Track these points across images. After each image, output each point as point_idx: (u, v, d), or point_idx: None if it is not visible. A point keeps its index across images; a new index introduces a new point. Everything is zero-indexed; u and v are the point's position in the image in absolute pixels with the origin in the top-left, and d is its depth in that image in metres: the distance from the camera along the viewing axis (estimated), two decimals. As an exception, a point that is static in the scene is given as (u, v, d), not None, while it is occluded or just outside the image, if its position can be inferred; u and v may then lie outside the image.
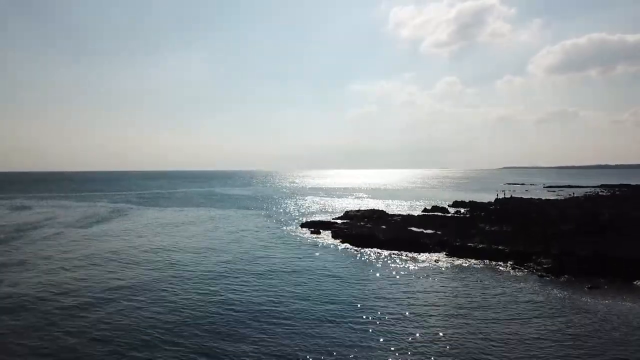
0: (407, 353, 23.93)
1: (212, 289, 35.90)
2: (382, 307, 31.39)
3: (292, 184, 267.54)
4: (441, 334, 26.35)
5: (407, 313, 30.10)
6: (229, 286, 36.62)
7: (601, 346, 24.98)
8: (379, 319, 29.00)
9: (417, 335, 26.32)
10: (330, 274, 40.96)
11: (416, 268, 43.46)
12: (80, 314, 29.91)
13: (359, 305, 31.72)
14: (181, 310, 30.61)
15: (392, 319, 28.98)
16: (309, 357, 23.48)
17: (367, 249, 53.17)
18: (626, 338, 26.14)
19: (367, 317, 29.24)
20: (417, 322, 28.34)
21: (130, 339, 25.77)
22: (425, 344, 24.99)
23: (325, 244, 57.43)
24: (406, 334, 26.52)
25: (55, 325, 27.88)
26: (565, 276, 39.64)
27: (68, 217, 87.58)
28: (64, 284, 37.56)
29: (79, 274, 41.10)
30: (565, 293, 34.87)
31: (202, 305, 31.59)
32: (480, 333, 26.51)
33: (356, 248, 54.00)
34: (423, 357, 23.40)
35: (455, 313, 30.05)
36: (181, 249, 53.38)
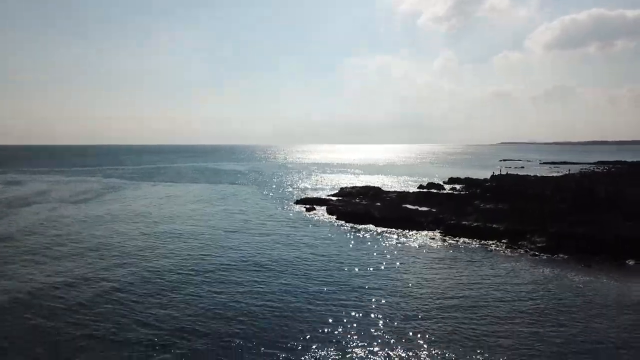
0: (396, 330, 23.87)
1: (200, 267, 35.71)
2: (374, 285, 31.33)
3: (288, 160, 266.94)
4: (433, 313, 26.31)
5: (398, 292, 30.04)
6: (220, 263, 36.44)
7: (591, 325, 24.99)
8: (371, 297, 28.94)
9: (408, 313, 26.27)
10: (323, 251, 40.84)
11: (410, 246, 43.40)
12: (71, 292, 29.75)
13: (351, 283, 31.65)
14: (165, 284, 30.46)
15: (383, 297, 28.92)
16: (300, 334, 23.42)
17: (361, 226, 53.07)
18: (617, 317, 26.19)
19: (359, 295, 29.18)
20: (408, 301, 28.29)
21: (117, 314, 25.68)
22: (415, 322, 24.95)
23: (319, 221, 57.28)
24: (397, 312, 26.46)
25: (44, 300, 27.75)
26: (560, 255, 39.66)
27: (61, 193, 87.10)
28: (54, 260, 37.34)
29: (71, 250, 40.88)
30: (559, 272, 34.88)
31: (191, 282, 31.43)
32: (470, 313, 26.46)
33: (351, 225, 53.88)
34: (412, 334, 23.36)
35: (447, 294, 30.00)
36: (171, 226, 53.12)
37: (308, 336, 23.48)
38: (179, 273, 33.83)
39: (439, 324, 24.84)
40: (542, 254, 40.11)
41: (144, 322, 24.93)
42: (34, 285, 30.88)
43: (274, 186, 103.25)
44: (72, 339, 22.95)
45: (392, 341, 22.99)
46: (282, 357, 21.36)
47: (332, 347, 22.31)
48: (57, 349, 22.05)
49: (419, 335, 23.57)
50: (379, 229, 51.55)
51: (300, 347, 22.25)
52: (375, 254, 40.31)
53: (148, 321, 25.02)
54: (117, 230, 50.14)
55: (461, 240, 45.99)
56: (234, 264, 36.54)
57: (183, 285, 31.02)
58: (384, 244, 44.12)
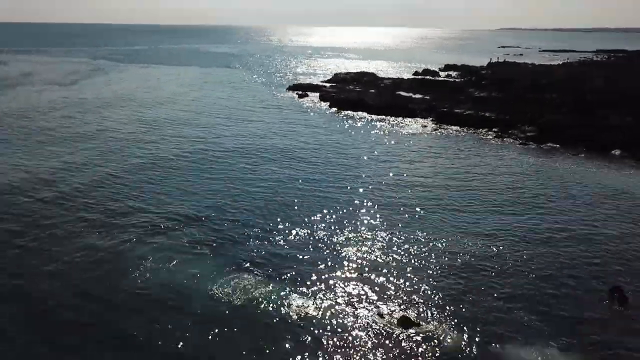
0: (383, 216, 24.84)
1: (192, 154, 35.99)
2: (363, 173, 31.97)
3: (283, 43, 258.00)
4: (419, 201, 27.20)
5: (386, 181, 30.77)
6: (211, 151, 36.73)
7: (572, 209, 26.11)
8: (360, 185, 29.68)
9: (395, 201, 27.16)
10: (314, 139, 41.06)
11: (402, 135, 43.67)
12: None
13: (341, 171, 32.27)
14: (158, 171, 30.92)
15: (371, 185, 29.67)
16: (290, 219, 24.28)
17: (354, 113, 52.89)
18: (598, 202, 27.32)
19: (348, 183, 29.89)
20: (396, 190, 29.10)
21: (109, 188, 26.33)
22: (401, 209, 25.90)
23: (312, 107, 56.87)
24: (385, 200, 27.33)
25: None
26: (548, 144, 40.26)
27: (47, 74, 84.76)
28: (45, 146, 37.35)
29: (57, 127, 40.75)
30: (545, 161, 35.65)
31: (183, 169, 31.92)
32: (456, 202, 27.39)
33: (344, 113, 53.65)
34: (397, 221, 24.37)
35: (435, 183, 30.77)
36: (162, 111, 52.60)
37: (298, 222, 24.33)
38: (170, 160, 34.10)
39: (425, 212, 25.76)
40: (530, 143, 40.68)
41: (138, 207, 25.51)
42: (24, 172, 30.85)
43: (267, 71, 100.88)
44: (65, 223, 23.44)
45: (377, 226, 23.96)
46: (271, 240, 22.27)
47: (320, 231, 23.25)
48: (50, 234, 22.46)
49: (403, 222, 24.54)
50: (372, 117, 51.46)
51: (291, 232, 23.14)
52: (366, 142, 40.63)
53: (142, 206, 25.60)
54: (107, 115, 49.59)
55: (453, 128, 46.22)
56: (225, 151, 36.82)
57: (175, 172, 31.41)
58: (375, 132, 44.33)
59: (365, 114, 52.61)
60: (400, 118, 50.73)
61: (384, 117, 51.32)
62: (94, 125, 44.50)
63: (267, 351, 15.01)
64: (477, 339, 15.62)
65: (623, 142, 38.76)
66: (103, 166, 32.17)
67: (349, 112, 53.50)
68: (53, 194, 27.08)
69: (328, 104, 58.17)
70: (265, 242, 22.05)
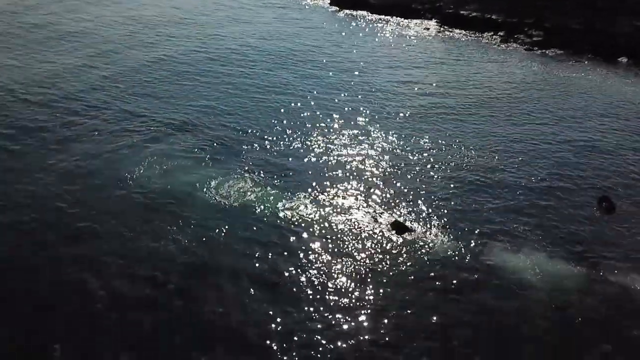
0: (379, 121, 24.75)
1: (187, 58, 34.94)
2: (363, 80, 31.32)
3: None
4: (418, 110, 26.96)
5: (385, 89, 30.25)
6: (207, 54, 35.63)
7: (572, 119, 26.05)
8: (358, 93, 29.22)
9: (392, 111, 26.91)
10: (313, 41, 39.67)
11: (404, 38, 42.17)
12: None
13: (338, 75, 31.58)
14: (154, 76, 30.22)
15: (370, 93, 29.23)
16: (291, 128, 24.18)
17: (355, 13, 50.68)
18: (599, 112, 27.20)
19: (347, 91, 29.41)
20: (395, 95, 28.72)
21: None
22: (399, 120, 25.75)
23: (310, 5, 54.37)
24: (383, 110, 27.06)
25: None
26: (553, 50, 39.12)
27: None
28: (35, 47, 36.08)
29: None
30: (548, 68, 34.88)
31: (179, 74, 31.14)
32: (453, 108, 27.15)
33: (344, 11, 51.37)
34: (397, 131, 24.33)
35: (436, 92, 30.26)
36: (155, 12, 50.30)
37: (295, 127, 24.21)
38: (165, 62, 32.99)
39: (423, 121, 25.61)
40: (535, 49, 39.49)
41: (134, 112, 25.11)
42: (14, 75, 29.58)
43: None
44: (57, 128, 23.04)
45: (373, 134, 23.94)
46: (266, 145, 22.28)
47: (316, 137, 23.25)
48: (42, 138, 22.06)
49: (401, 130, 24.48)
50: (373, 17, 49.37)
51: (287, 138, 23.12)
52: (365, 46, 39.30)
53: (138, 112, 25.21)
54: (98, 14, 47.30)
55: (457, 32, 44.55)
56: (221, 53, 35.65)
57: (169, 75, 30.49)
58: (376, 34, 42.75)
59: (366, 14, 50.39)
60: (403, 19, 48.71)
61: (385, 17, 49.24)
62: (84, 25, 42.58)
63: (260, 254, 15.60)
64: (468, 246, 16.25)
65: (631, 50, 37.65)
66: (96, 68, 31.21)
67: (350, 12, 51.23)
68: (43, 97, 26.36)
69: (328, 2, 55.50)
70: (261, 148, 22.12)
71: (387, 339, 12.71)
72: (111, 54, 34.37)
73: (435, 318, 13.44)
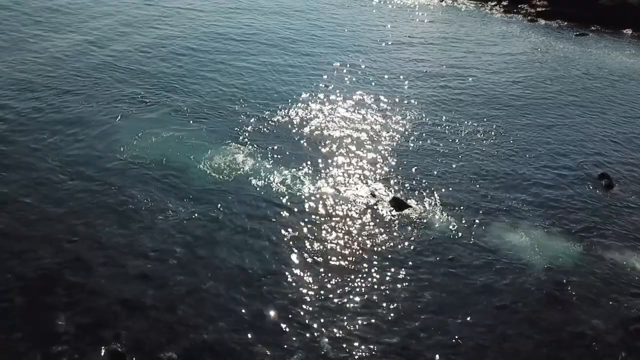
0: (376, 95, 24.43)
1: (190, 36, 34.26)
2: (361, 53, 30.80)
3: None
4: (416, 79, 26.61)
5: (384, 56, 29.79)
6: (204, 34, 34.92)
7: (571, 92, 25.78)
8: (353, 59, 28.77)
9: (391, 79, 26.56)
10: (314, 16, 38.89)
11: (403, 5, 41.30)
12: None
13: (335, 43, 31.00)
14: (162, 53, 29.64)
15: (366, 62, 28.78)
16: (279, 92, 23.86)
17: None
18: (598, 85, 26.92)
19: (340, 56, 28.92)
20: (393, 69, 28.29)
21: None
22: (396, 86, 25.43)
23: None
24: (380, 79, 26.69)
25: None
26: (557, 21, 38.48)
27: None
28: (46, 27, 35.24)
29: None
30: (551, 40, 34.33)
31: (188, 48, 30.58)
32: (449, 83, 26.81)
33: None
34: (393, 100, 24.03)
35: (437, 62, 29.83)
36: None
37: (291, 97, 23.76)
38: (163, 41, 32.32)
39: (419, 93, 25.25)
40: (539, 19, 38.84)
41: (124, 80, 24.60)
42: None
43: None
44: (49, 98, 22.74)
45: (370, 107, 23.60)
46: (261, 116, 21.96)
47: (312, 107, 22.91)
48: (34, 109, 21.77)
49: (397, 103, 24.10)
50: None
51: (283, 108, 22.71)
52: (363, 12, 38.50)
53: (129, 80, 24.69)
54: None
55: (459, 0, 43.71)
56: (214, 17, 34.99)
57: (165, 52, 29.60)
58: (376, 4, 41.88)
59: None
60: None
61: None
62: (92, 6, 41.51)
63: (255, 226, 15.51)
64: (467, 224, 16.17)
65: (636, 21, 37.06)
66: (104, 48, 30.45)
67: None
68: (39, 67, 25.69)
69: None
70: (257, 119, 21.73)
71: (382, 314, 12.71)
72: (118, 35, 33.36)
73: (430, 294, 13.43)
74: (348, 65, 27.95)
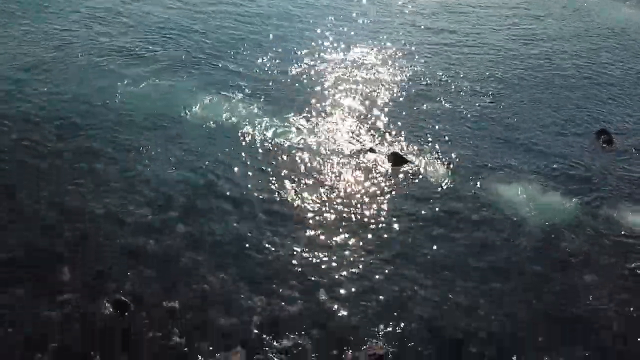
0: (376, 55, 24.01)
1: None
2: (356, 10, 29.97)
3: None
4: (418, 41, 26.10)
5: (382, 14, 29.09)
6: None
7: (568, 50, 25.39)
8: (351, 22, 28.12)
9: (391, 35, 26.05)
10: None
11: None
12: None
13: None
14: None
15: (364, 20, 28.11)
16: (273, 42, 23.41)
17: None
18: (602, 39, 26.52)
19: (340, 13, 28.21)
20: (389, 24, 27.72)
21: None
22: (398, 50, 24.98)
23: None
24: (380, 35, 26.18)
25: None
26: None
27: None
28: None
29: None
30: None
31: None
32: (448, 37, 26.31)
33: None
34: (388, 53, 23.65)
35: (431, 20, 29.12)
36: None
37: (285, 49, 23.43)
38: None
39: (423, 55, 24.61)
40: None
41: (112, 33, 24.00)
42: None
43: None
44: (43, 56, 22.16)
45: (374, 65, 23.23)
46: (254, 65, 21.56)
47: (306, 59, 22.47)
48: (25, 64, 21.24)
49: (393, 58, 23.75)
50: None
51: (285, 64, 22.34)
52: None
53: (120, 31, 24.18)
54: None
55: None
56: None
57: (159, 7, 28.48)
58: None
59: None
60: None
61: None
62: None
63: (252, 175, 15.63)
64: (464, 179, 16.19)
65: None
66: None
67: None
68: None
69: None
70: (248, 67, 21.54)
71: (382, 268, 12.87)
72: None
73: (428, 248, 13.59)
74: (347, 15, 27.33)
